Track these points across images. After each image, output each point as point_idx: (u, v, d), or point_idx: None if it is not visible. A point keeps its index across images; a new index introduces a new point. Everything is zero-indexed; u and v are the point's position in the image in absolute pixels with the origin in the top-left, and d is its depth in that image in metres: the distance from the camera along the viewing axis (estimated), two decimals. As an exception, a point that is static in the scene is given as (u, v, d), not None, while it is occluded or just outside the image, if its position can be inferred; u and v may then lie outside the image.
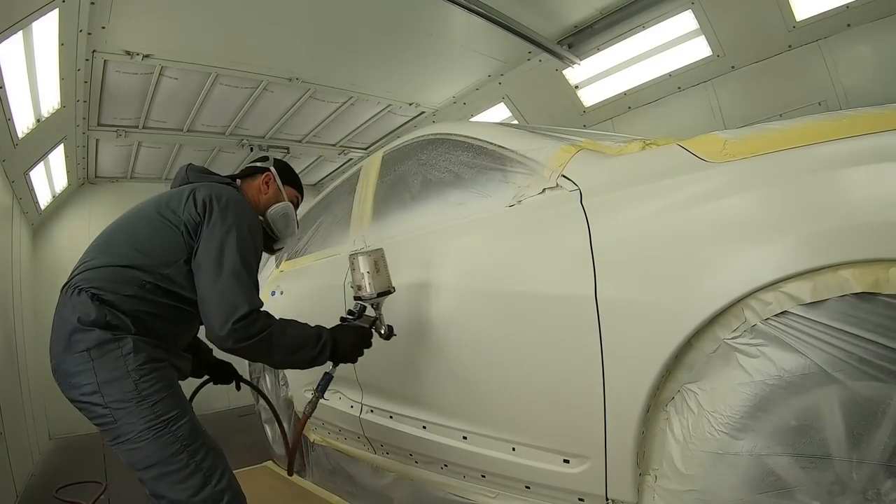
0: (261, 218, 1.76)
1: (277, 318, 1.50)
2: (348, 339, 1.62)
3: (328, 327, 1.62)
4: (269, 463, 3.53)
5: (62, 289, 1.47)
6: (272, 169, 1.86)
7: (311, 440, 3.02)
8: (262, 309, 1.46)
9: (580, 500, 1.45)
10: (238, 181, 1.85)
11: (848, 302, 0.95)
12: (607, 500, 1.37)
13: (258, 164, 1.89)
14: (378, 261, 1.71)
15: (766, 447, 1.02)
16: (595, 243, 1.33)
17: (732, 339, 1.09)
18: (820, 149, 1.05)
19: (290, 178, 1.91)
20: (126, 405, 1.33)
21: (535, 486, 1.59)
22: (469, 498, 1.86)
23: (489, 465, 1.71)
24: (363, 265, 1.69)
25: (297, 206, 1.95)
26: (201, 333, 1.62)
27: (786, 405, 1.01)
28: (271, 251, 1.93)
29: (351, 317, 1.73)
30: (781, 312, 1.02)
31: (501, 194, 1.71)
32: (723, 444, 1.07)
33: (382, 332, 1.73)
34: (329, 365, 1.64)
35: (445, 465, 1.94)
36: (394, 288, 1.74)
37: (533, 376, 1.50)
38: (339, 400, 2.55)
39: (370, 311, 1.75)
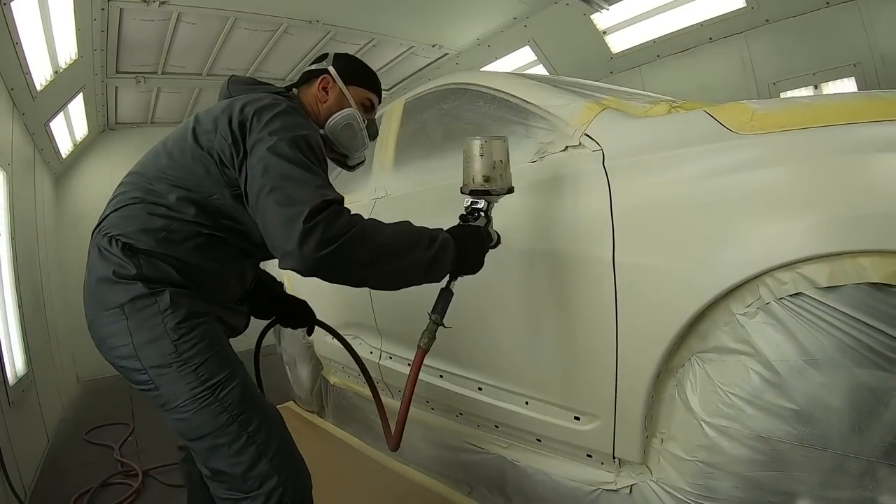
0: (321, 132, 1.47)
1: None
2: (472, 241, 1.30)
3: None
4: (291, 403, 3.64)
5: (93, 231, 1.30)
6: (331, 69, 1.53)
7: (332, 382, 3.13)
8: (344, 205, 1.13)
9: (588, 455, 1.51)
10: (294, 90, 1.56)
11: (863, 290, 0.94)
12: (614, 458, 1.42)
13: (315, 66, 1.56)
14: (508, 152, 1.39)
15: (770, 426, 1.04)
16: (616, 206, 1.32)
17: (745, 314, 1.09)
18: (850, 130, 1.02)
19: (356, 76, 1.56)
20: (167, 370, 1.18)
21: (545, 440, 1.65)
22: (481, 446, 1.93)
23: (502, 416, 1.76)
24: (498, 152, 1.35)
25: (371, 109, 1.61)
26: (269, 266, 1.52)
27: (791, 386, 1.01)
28: (349, 168, 1.65)
29: (471, 217, 1.38)
30: (796, 293, 1.01)
31: (524, 149, 1.67)
32: (727, 418, 1.10)
33: (493, 238, 1.40)
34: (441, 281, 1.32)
35: (461, 414, 2.01)
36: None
37: (548, 333, 1.53)
38: (359, 345, 2.63)
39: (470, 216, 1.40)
